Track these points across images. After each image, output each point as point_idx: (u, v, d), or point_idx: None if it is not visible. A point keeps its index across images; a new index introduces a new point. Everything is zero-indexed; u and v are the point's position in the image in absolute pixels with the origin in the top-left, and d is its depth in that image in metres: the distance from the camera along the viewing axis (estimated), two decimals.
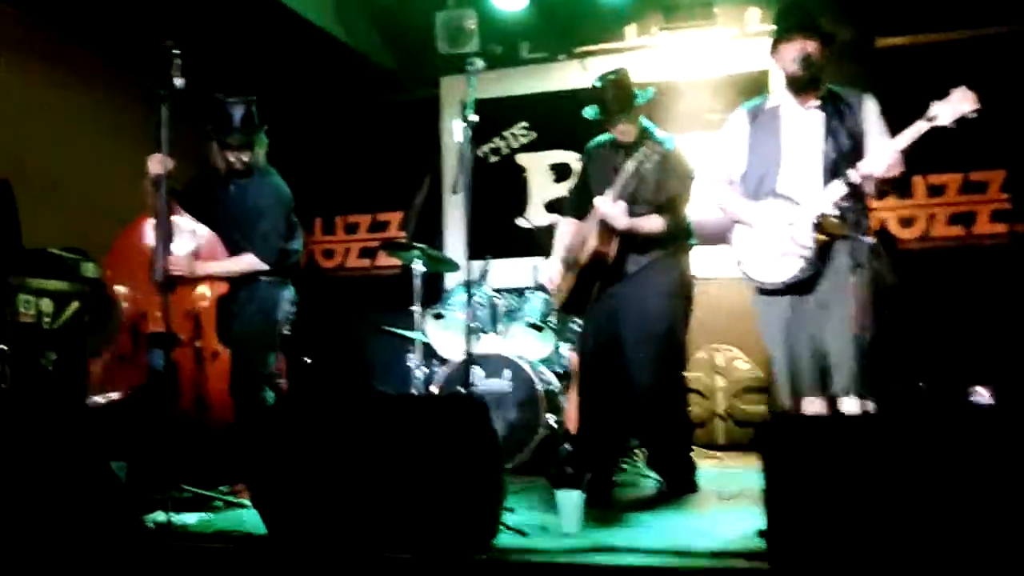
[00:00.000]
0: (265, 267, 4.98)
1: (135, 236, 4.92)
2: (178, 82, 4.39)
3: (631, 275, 4.94)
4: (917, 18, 6.90)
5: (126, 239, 4.94)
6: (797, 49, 4.15)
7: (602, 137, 5.21)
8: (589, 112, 5.05)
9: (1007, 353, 6.21)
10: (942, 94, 3.89)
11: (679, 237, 5.01)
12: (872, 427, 3.30)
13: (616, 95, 4.94)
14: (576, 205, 5.29)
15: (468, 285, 4.24)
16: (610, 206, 4.75)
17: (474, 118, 4.27)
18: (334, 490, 3.60)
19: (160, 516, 4.10)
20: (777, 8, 4.40)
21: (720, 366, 7.04)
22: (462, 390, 5.61)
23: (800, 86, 4.23)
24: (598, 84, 5.03)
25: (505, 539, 3.67)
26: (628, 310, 4.91)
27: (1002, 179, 6.86)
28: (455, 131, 4.40)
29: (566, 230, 5.28)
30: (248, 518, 4.29)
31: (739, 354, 7.06)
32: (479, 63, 4.45)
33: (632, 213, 4.80)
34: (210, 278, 4.86)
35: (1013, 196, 6.83)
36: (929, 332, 6.27)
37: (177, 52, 4.35)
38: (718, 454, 6.51)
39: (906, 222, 7.03)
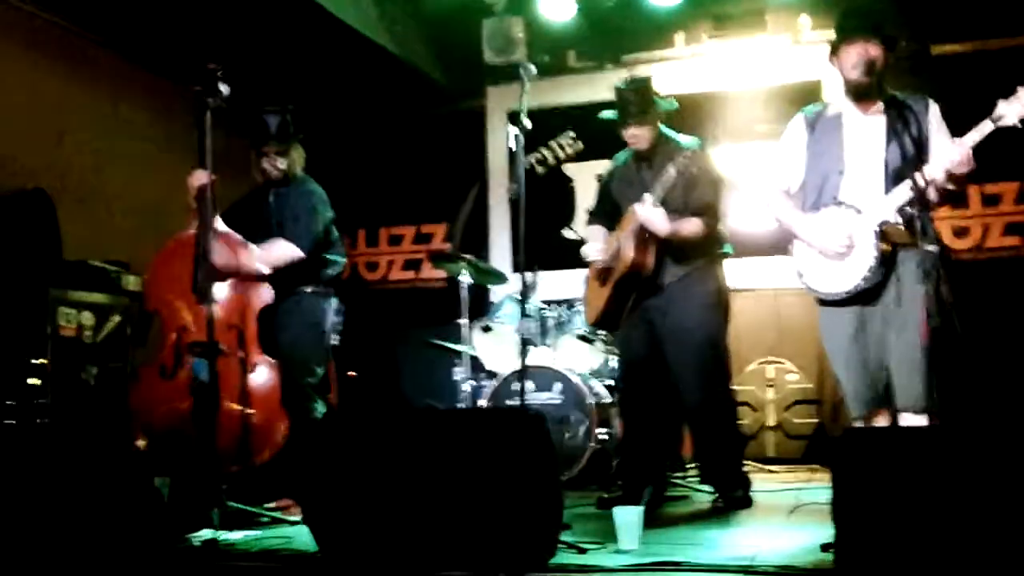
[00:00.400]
0: (300, 254, 4.91)
1: (178, 248, 4.86)
2: (224, 89, 4.36)
3: (668, 286, 4.83)
4: (973, 24, 6.76)
5: (169, 251, 4.89)
6: (859, 53, 4.02)
7: (622, 154, 5.15)
8: (606, 113, 4.98)
9: None
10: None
11: (714, 246, 4.90)
12: (945, 441, 3.17)
13: (635, 97, 4.87)
14: (601, 214, 5.21)
15: (523, 297, 4.14)
16: (651, 211, 4.64)
17: (528, 124, 4.21)
18: (388, 507, 3.50)
19: (207, 534, 4.03)
20: (839, 11, 4.27)
21: (770, 379, 6.90)
22: (511, 403, 5.60)
23: (861, 92, 4.10)
24: (620, 86, 4.98)
25: (563, 556, 3.55)
26: (668, 323, 4.81)
27: None
28: (509, 137, 4.30)
29: (598, 234, 5.15)
30: (296, 535, 4.23)
31: (790, 367, 6.94)
32: (533, 69, 4.37)
33: None
34: (251, 282, 4.78)
35: None
36: (984, 345, 6.11)
37: (219, 69, 4.34)
38: (770, 467, 6.36)
39: (960, 232, 6.89)
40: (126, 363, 5.50)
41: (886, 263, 3.97)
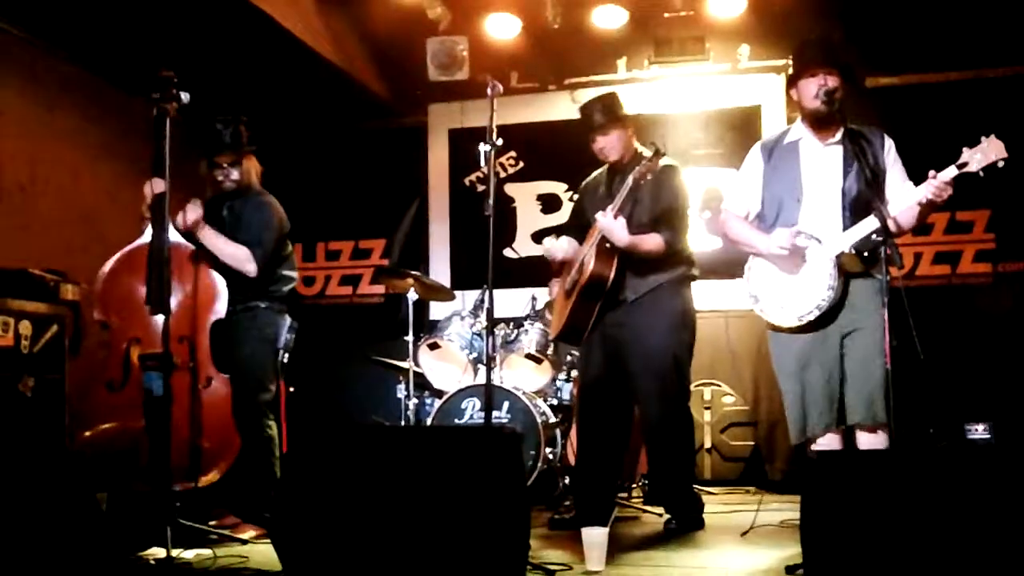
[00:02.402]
0: (252, 267, 4.81)
1: (129, 258, 4.76)
2: (184, 97, 4.27)
3: (632, 303, 4.79)
4: (905, 59, 6.96)
5: (121, 261, 4.79)
6: (819, 83, 4.12)
7: (599, 169, 5.14)
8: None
9: (992, 390, 6.26)
10: (933, 135, 3.95)
11: (679, 266, 4.86)
12: (913, 465, 3.24)
13: (598, 106, 4.91)
14: (574, 228, 5.20)
15: (491, 314, 4.12)
16: (610, 221, 4.62)
17: (499, 141, 4.22)
18: (357, 525, 3.45)
19: (159, 552, 3.92)
20: (799, 42, 4.37)
21: (707, 400, 6.97)
22: (460, 422, 5.58)
23: (821, 121, 4.19)
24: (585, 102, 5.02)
25: None
26: (633, 340, 4.77)
27: (987, 219, 6.93)
28: (480, 154, 4.29)
29: (565, 241, 5.14)
30: (250, 553, 4.16)
31: (726, 389, 7.02)
32: (500, 87, 4.38)
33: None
34: (205, 294, 4.69)
35: (997, 236, 6.91)
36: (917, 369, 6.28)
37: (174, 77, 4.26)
38: (709, 489, 6.42)
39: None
40: (63, 374, 5.32)
41: (841, 291, 4.07)
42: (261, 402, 4.85)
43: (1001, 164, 3.81)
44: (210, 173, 4.98)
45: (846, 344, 4.10)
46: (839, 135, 4.18)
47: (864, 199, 4.04)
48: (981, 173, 3.83)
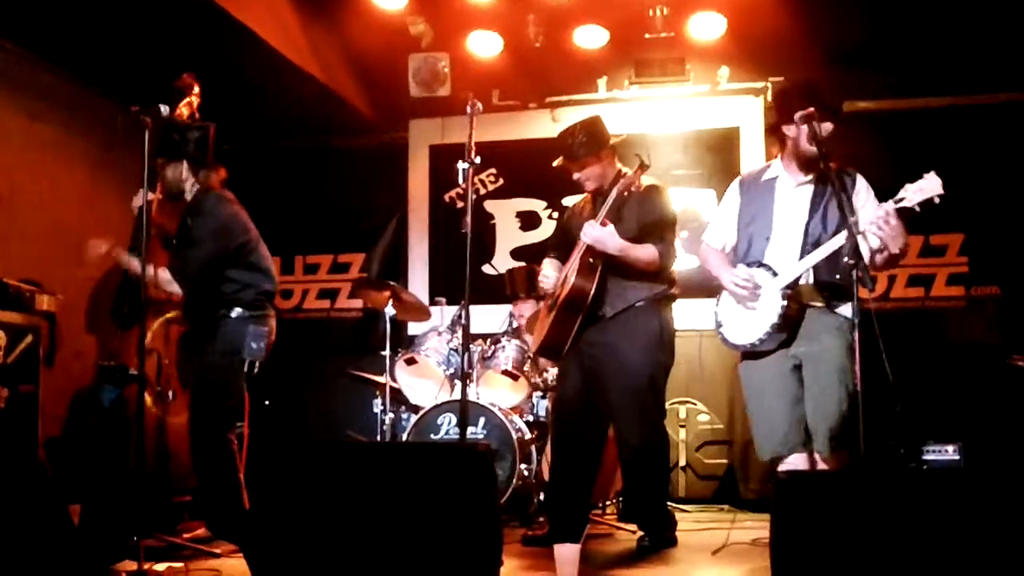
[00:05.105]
0: (175, 287, 4.66)
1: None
2: (164, 109, 4.28)
3: (609, 320, 4.78)
4: (881, 85, 7.05)
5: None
6: (810, 130, 4.10)
7: (583, 195, 5.15)
8: (557, 162, 4.96)
9: (963, 412, 6.32)
10: (908, 160, 3.96)
11: (659, 284, 4.84)
12: (883, 486, 3.27)
13: (580, 136, 4.86)
14: (557, 248, 5.19)
15: (466, 330, 4.14)
16: (599, 228, 4.61)
17: (477, 159, 4.24)
18: (330, 540, 3.46)
19: (131, 565, 3.91)
20: (795, 87, 4.38)
21: (682, 419, 7.00)
22: (436, 438, 5.59)
23: (804, 162, 4.21)
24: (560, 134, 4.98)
25: None
26: (608, 360, 4.78)
27: (960, 243, 7.01)
28: (459, 172, 4.31)
29: (552, 267, 5.08)
30: (221, 567, 4.15)
31: (701, 407, 7.05)
32: (479, 105, 4.40)
33: None
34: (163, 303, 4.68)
35: (970, 260, 6.99)
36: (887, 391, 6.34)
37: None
38: (683, 507, 6.45)
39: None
40: (37, 385, 5.30)
41: (790, 321, 4.09)
42: (220, 414, 4.65)
43: (937, 200, 3.83)
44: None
45: (804, 373, 4.14)
46: (812, 176, 4.21)
47: (824, 242, 4.08)
48: (917, 208, 3.86)
